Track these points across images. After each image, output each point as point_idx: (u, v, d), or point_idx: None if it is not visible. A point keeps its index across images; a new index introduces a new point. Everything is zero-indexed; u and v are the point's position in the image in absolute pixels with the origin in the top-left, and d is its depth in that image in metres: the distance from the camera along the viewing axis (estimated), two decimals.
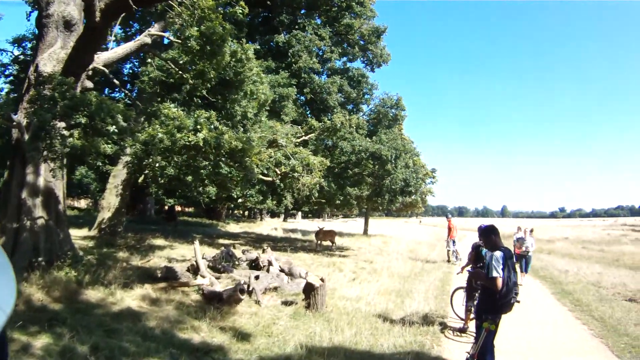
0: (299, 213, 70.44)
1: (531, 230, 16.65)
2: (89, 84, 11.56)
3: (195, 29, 10.62)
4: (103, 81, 21.72)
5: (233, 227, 38.26)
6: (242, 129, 13.34)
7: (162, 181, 11.97)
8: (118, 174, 19.05)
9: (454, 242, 21.40)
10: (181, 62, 12.25)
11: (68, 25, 10.81)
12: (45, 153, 8.89)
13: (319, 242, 23.88)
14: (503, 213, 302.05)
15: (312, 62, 23.89)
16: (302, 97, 25.91)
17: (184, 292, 10.03)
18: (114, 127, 8.89)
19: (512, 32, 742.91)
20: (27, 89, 10.41)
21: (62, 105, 8.56)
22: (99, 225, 18.84)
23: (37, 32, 11.45)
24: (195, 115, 10.07)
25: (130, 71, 30.55)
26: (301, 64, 23.39)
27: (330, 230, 24.87)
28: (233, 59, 12.02)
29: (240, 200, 21.94)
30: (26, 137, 9.55)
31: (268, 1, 25.51)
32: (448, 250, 21.59)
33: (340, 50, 26.85)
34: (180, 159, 9.98)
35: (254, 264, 13.52)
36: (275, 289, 11.23)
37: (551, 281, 16.08)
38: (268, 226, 42.14)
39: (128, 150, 11.23)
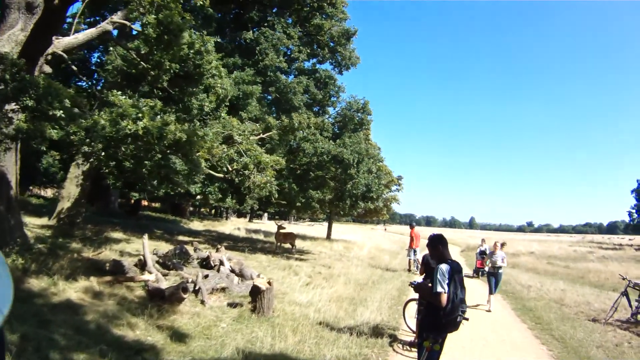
0: (265, 214, 70.02)
1: (502, 244, 14.42)
2: (48, 69, 11.23)
3: (153, 16, 10.36)
4: (70, 71, 21.28)
5: (196, 225, 37.73)
6: (198, 123, 13.11)
7: (107, 171, 11.63)
8: (82, 164, 18.61)
9: (415, 251, 21.27)
10: (143, 52, 11.99)
11: (30, 7, 10.46)
12: None
13: (279, 243, 23.49)
14: (471, 224, 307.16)
15: (279, 61, 23.55)
16: (269, 97, 25.57)
17: (129, 288, 9.60)
18: (60, 112, 8.57)
19: (487, 40, 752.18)
20: None
21: (11, 87, 8.25)
22: (58, 214, 18.26)
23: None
24: (139, 104, 9.75)
25: (98, 60, 30.00)
26: (268, 62, 22.98)
27: (290, 233, 24.53)
28: (191, 51, 11.78)
29: (199, 197, 21.60)
30: None
31: None
32: (409, 259, 21.48)
33: (309, 51, 26.65)
34: (128, 149, 9.69)
35: (205, 263, 13.14)
36: (224, 289, 10.80)
37: (513, 296, 15.83)
38: (232, 226, 41.56)
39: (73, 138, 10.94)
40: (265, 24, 24.77)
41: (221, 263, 12.61)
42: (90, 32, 12.73)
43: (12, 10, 10.36)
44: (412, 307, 9.77)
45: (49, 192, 47.56)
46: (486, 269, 14.58)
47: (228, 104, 16.03)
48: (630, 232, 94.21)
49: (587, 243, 70.69)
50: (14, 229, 10.58)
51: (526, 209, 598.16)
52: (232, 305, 9.69)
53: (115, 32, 15.66)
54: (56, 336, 6.18)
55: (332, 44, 27.01)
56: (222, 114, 15.27)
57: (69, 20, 15.26)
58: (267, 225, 53.75)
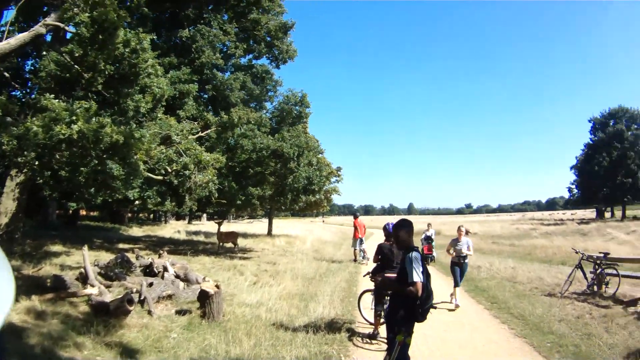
0: (204, 215, 68.97)
1: (467, 231, 12.38)
2: None
3: (87, 14, 9.97)
4: (2, 80, 20.35)
5: (136, 231, 36.74)
6: (134, 125, 12.74)
7: (42, 181, 11.15)
8: (16, 176, 17.79)
9: (361, 241, 21.45)
10: (77, 54, 11.54)
11: None
12: None
13: (221, 243, 23.31)
14: (410, 210, 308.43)
15: (215, 58, 22.97)
16: (205, 95, 25.09)
17: (72, 304, 8.93)
18: None
19: (427, 25, 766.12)
20: None
21: None
22: None
23: None
24: (72, 106, 9.34)
25: (32, 67, 28.80)
26: (204, 59, 22.38)
27: (232, 232, 24.39)
28: (127, 49, 11.41)
29: (137, 202, 21.05)
30: None
31: None
32: (354, 250, 21.64)
33: (245, 47, 26.18)
34: (63, 156, 9.29)
35: (149, 270, 12.54)
36: (170, 296, 10.35)
37: (464, 278, 15.69)
38: (172, 229, 40.98)
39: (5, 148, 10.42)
40: (202, 21, 24.16)
41: (165, 269, 12.09)
42: (23, 37, 12.06)
43: None
44: (367, 298, 9.75)
45: None
46: (447, 257, 13.00)
47: (165, 104, 15.59)
48: (570, 207, 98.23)
49: (528, 220, 72.64)
50: None
51: (464, 191, 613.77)
52: (180, 312, 9.31)
53: (49, 37, 15.01)
54: None
55: (268, 39, 26.61)
56: (159, 115, 14.91)
57: (2, 29, 14.61)
58: (206, 225, 53.18)
